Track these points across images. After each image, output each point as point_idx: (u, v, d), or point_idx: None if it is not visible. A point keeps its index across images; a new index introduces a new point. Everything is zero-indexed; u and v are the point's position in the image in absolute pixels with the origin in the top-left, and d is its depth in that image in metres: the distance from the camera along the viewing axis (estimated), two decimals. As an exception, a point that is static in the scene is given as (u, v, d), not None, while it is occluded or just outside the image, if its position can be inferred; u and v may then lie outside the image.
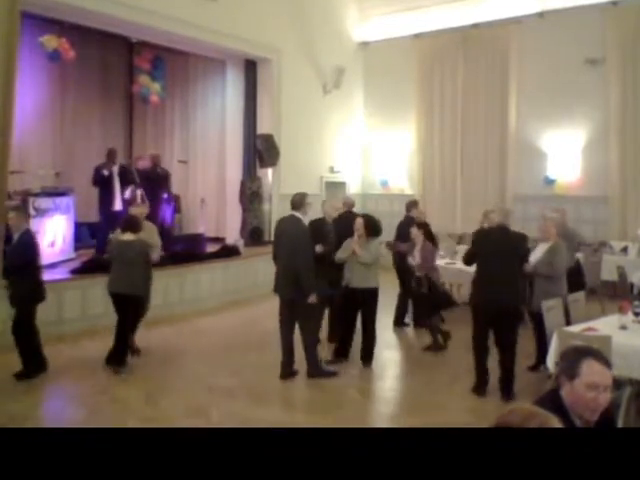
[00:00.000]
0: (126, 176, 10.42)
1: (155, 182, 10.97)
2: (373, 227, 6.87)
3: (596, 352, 2.57)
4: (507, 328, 5.84)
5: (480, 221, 8.58)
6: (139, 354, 7.18)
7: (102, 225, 10.31)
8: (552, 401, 2.44)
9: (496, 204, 8.70)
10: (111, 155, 10.38)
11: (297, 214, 6.39)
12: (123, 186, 10.30)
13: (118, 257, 6.61)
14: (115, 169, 10.27)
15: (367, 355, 6.95)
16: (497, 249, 5.91)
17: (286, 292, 6.39)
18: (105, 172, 10.13)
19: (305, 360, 6.49)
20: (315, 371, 6.45)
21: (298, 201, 6.44)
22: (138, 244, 6.66)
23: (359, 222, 6.84)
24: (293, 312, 6.44)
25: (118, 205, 10.24)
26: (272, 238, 11.65)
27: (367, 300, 6.82)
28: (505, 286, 5.76)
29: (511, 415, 1.83)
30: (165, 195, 10.94)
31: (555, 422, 1.83)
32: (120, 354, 6.64)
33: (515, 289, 5.84)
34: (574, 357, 2.50)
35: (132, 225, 6.72)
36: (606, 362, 2.51)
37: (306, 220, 6.58)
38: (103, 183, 10.15)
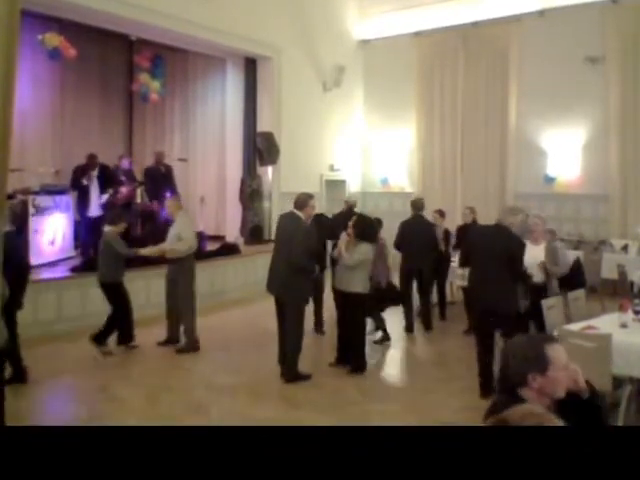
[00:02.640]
0: (107, 177, 10.37)
1: (158, 180, 10.92)
2: (362, 229, 6.51)
3: (546, 336, 2.61)
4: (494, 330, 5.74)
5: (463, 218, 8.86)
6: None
7: (82, 228, 10.23)
8: (515, 404, 2.44)
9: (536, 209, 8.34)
10: (91, 160, 10.28)
11: (297, 212, 6.32)
12: (104, 188, 10.26)
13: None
14: (94, 174, 10.23)
15: (352, 363, 6.63)
16: (489, 249, 5.79)
17: (276, 290, 6.35)
18: (84, 181, 10.12)
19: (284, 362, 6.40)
20: (290, 375, 6.29)
21: (302, 202, 6.32)
22: (106, 235, 7.16)
23: (353, 220, 6.59)
24: (284, 310, 6.37)
25: (94, 211, 10.20)
26: (272, 236, 11.63)
27: (350, 304, 6.53)
28: (496, 288, 5.65)
29: (508, 415, 1.82)
30: (168, 193, 10.90)
31: (554, 421, 1.83)
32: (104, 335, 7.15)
33: (504, 291, 5.66)
34: (535, 350, 2.48)
35: (108, 217, 7.50)
36: (554, 338, 2.59)
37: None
38: (80, 188, 10.13)
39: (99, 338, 7.07)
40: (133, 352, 7.28)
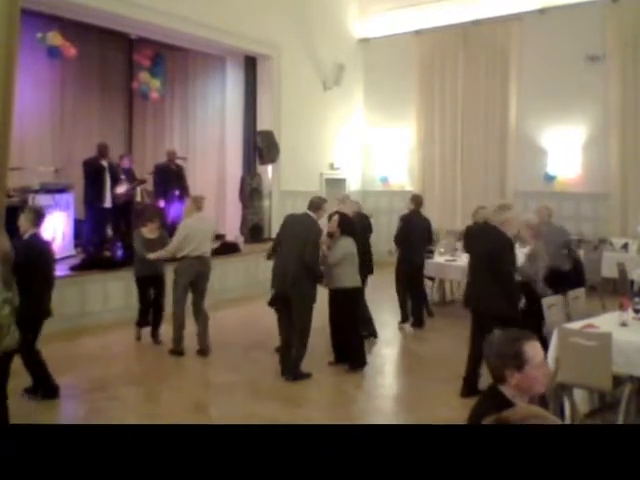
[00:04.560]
0: (115, 174, 10.33)
1: (168, 178, 10.87)
2: (344, 225, 6.61)
3: (524, 333, 2.62)
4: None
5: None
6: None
7: (89, 222, 10.01)
8: (497, 401, 2.46)
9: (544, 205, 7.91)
10: (103, 150, 10.07)
11: (312, 214, 6.39)
12: (112, 183, 10.19)
13: None
14: (106, 165, 10.13)
15: (351, 361, 6.60)
16: (476, 249, 5.83)
17: (286, 288, 6.30)
18: (104, 162, 9.94)
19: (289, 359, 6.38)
20: (293, 374, 6.29)
21: (316, 204, 6.47)
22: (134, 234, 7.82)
23: (334, 220, 6.64)
24: (289, 309, 6.37)
25: (108, 202, 10.07)
26: (272, 235, 11.55)
27: (341, 301, 6.53)
28: (480, 290, 5.63)
29: (509, 416, 1.82)
30: (178, 192, 10.89)
31: (555, 422, 1.83)
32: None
33: (489, 293, 5.53)
34: (513, 346, 2.50)
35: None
36: (535, 337, 2.59)
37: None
38: (96, 176, 9.89)
39: (152, 332, 7.60)
40: (132, 351, 7.28)
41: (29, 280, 5.28)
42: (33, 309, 5.38)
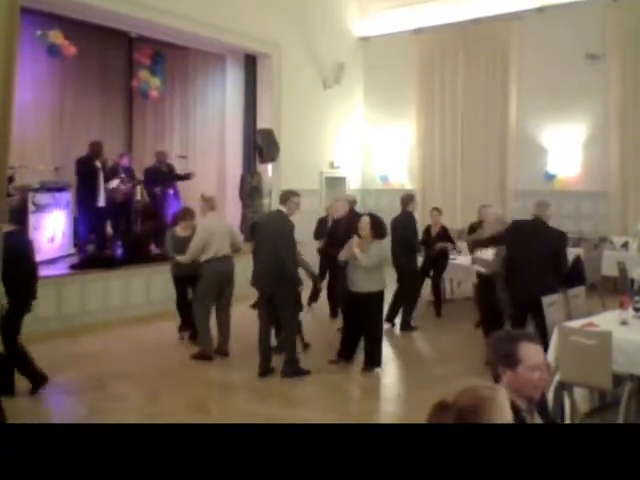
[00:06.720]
0: (109, 173, 10.32)
1: (160, 179, 10.87)
2: (379, 228, 6.58)
3: (526, 334, 2.69)
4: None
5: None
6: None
7: (83, 220, 10.08)
8: None
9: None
10: (96, 150, 10.09)
11: (283, 210, 6.38)
12: (105, 182, 10.19)
13: None
14: (99, 164, 10.15)
15: (372, 360, 6.60)
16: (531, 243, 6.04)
17: (267, 286, 6.34)
18: (98, 164, 9.97)
19: (283, 357, 6.42)
20: (290, 370, 6.31)
21: (284, 197, 6.44)
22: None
23: (365, 221, 6.48)
24: (272, 307, 6.39)
25: (102, 201, 10.08)
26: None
27: (369, 304, 6.51)
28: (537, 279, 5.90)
29: (461, 399, 1.83)
30: (172, 191, 10.89)
31: (502, 394, 1.88)
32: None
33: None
34: (508, 345, 2.55)
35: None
36: (536, 340, 2.62)
37: (294, 219, 6.51)
38: (89, 176, 9.91)
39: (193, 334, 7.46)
40: (133, 350, 7.27)
41: (9, 276, 5.01)
42: (14, 304, 5.19)
